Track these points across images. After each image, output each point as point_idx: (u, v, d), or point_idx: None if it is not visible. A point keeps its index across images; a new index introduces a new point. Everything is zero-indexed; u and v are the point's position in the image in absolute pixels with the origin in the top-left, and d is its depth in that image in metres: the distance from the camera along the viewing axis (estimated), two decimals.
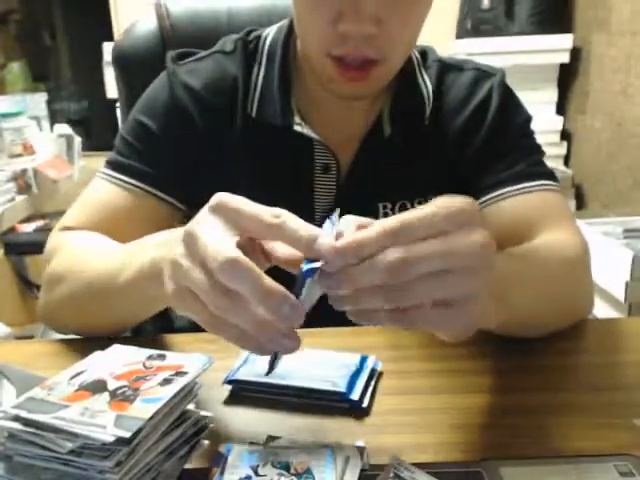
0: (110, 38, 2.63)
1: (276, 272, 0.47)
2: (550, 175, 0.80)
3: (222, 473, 0.46)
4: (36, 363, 0.64)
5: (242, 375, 0.59)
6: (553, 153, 2.41)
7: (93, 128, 3.54)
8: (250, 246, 0.48)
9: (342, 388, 0.56)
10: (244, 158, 0.79)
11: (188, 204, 0.78)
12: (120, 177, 0.77)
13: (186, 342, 0.69)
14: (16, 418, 0.42)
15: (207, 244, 0.43)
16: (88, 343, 0.65)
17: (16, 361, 0.61)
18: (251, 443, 0.50)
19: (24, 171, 2.20)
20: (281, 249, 0.48)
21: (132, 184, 0.76)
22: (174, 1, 1.02)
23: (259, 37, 0.82)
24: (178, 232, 0.49)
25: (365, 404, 0.56)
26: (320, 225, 0.44)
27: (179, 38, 0.99)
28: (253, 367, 0.60)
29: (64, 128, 2.54)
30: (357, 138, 0.80)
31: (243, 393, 0.58)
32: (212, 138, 0.79)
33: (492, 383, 0.60)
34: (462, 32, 2.46)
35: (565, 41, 2.35)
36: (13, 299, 2.18)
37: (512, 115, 0.82)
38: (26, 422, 0.42)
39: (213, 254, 0.43)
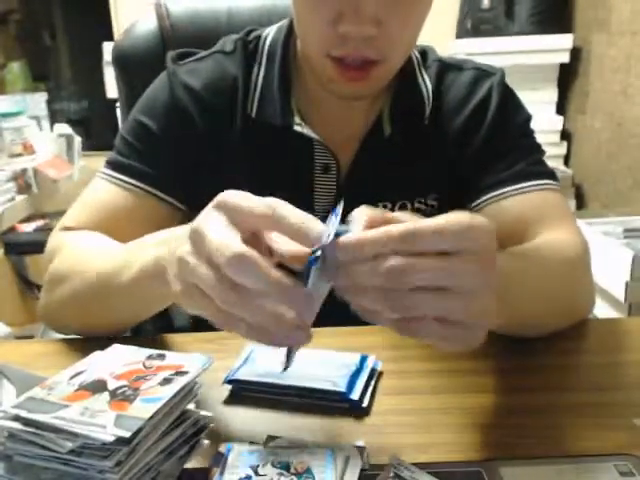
0: (110, 38, 2.63)
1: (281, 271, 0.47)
2: (550, 174, 0.80)
3: (222, 473, 0.46)
4: (36, 363, 0.64)
5: (242, 375, 0.59)
6: (553, 153, 2.41)
7: (93, 128, 3.54)
8: (254, 244, 0.48)
9: (342, 388, 0.56)
10: (244, 158, 0.79)
11: (188, 204, 0.78)
12: (120, 177, 0.77)
13: (186, 342, 0.69)
14: (16, 418, 0.42)
15: (213, 240, 0.44)
16: (88, 343, 0.65)
17: (16, 361, 0.61)
18: (251, 443, 0.50)
19: (24, 171, 2.20)
20: (285, 246, 0.48)
21: (132, 184, 0.76)
22: (174, 1, 1.02)
23: (259, 37, 0.82)
24: (178, 231, 0.49)
25: (365, 404, 0.56)
26: (323, 222, 0.45)
27: (179, 38, 0.99)
28: (253, 367, 0.60)
29: (64, 128, 2.54)
30: (357, 138, 0.80)
31: (243, 393, 0.58)
32: (212, 138, 0.79)
33: (492, 383, 0.60)
34: (462, 32, 2.46)
35: (565, 41, 2.35)
36: (13, 299, 2.18)
37: (512, 114, 0.82)
38: (26, 422, 0.42)
39: (220, 249, 0.43)
